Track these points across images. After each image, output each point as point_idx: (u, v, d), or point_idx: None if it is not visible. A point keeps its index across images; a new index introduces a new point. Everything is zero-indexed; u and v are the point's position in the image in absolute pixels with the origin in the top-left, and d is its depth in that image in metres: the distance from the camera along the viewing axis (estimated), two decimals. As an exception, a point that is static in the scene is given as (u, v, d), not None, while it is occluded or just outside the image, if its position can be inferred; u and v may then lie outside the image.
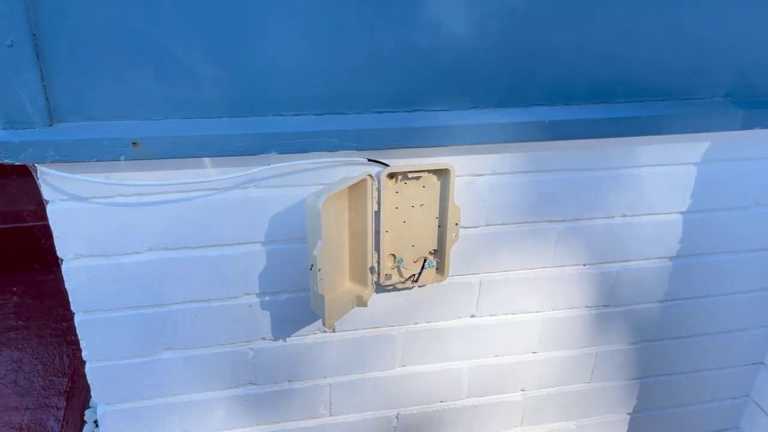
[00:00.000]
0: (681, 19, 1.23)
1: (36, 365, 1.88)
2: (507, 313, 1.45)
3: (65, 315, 2.08)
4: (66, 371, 1.85)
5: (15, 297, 2.19)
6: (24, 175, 2.24)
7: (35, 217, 2.27)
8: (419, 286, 1.35)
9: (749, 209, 1.45)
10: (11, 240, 2.28)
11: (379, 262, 1.27)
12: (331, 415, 1.48)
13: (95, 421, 1.87)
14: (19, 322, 2.06)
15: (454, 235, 1.28)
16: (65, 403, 1.75)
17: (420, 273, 1.29)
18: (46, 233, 2.24)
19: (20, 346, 1.95)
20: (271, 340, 1.34)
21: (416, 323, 1.41)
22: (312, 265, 1.13)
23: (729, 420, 1.80)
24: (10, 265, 2.29)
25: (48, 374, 1.84)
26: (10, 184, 2.31)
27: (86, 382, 1.93)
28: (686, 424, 1.76)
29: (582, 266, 1.43)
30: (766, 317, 1.63)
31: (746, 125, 1.31)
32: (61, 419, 1.70)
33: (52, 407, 1.73)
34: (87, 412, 1.89)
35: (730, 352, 1.67)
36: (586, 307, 1.49)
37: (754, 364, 1.71)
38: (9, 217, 2.28)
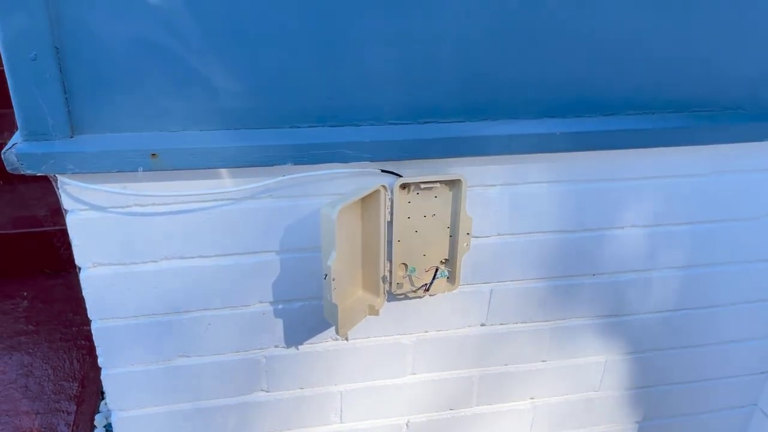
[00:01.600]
0: (690, 32, 1.24)
1: (46, 370, 1.89)
2: (517, 322, 1.46)
3: (75, 320, 2.09)
4: (76, 376, 1.87)
5: (25, 301, 2.20)
6: (36, 179, 2.26)
7: (46, 221, 2.28)
8: (430, 295, 1.36)
9: (761, 219, 1.45)
10: (22, 244, 2.29)
11: (391, 272, 1.28)
12: (341, 422, 1.49)
13: (105, 426, 1.88)
14: (30, 326, 2.07)
15: (465, 244, 1.29)
16: (75, 407, 1.76)
17: (432, 282, 1.30)
18: (58, 238, 2.27)
19: (30, 350, 1.96)
20: (283, 347, 1.35)
21: (427, 332, 1.42)
22: (326, 275, 1.14)
23: (737, 429, 1.80)
24: (20, 269, 2.31)
25: (58, 379, 1.85)
26: (22, 188, 2.33)
27: (96, 386, 1.95)
28: (694, 433, 1.77)
29: (591, 276, 1.44)
30: (774, 326, 1.64)
31: (757, 137, 1.33)
32: (72, 424, 1.71)
33: (63, 412, 1.74)
34: (97, 417, 1.90)
35: (738, 361, 1.67)
36: (596, 316, 1.50)
37: (762, 372, 1.72)
38: (20, 222, 2.29)
